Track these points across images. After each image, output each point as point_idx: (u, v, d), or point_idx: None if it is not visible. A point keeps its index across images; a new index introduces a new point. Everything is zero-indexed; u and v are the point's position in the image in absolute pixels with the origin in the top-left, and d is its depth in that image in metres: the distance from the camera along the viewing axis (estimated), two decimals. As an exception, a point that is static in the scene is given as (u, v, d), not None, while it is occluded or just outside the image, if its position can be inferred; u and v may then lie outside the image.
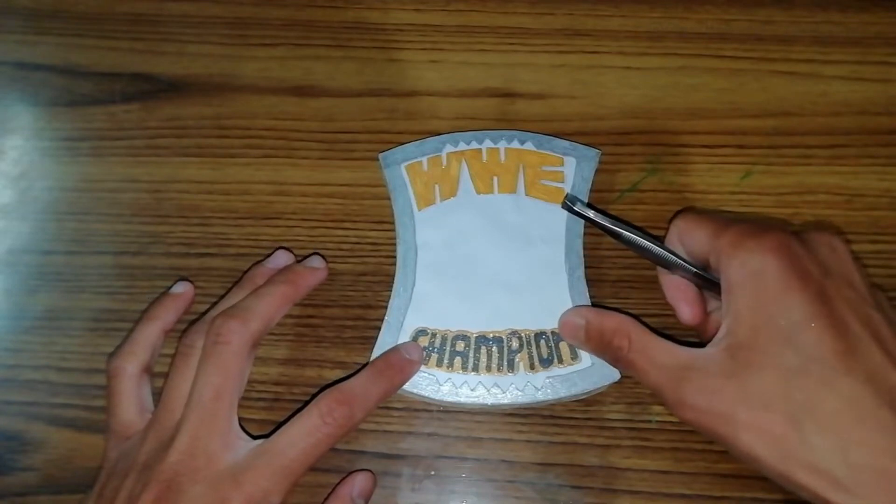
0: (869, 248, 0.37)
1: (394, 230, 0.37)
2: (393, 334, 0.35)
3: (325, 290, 0.37)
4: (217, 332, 0.31)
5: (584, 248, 0.36)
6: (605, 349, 0.32)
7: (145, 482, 0.29)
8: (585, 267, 0.36)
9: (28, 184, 0.40)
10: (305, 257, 0.37)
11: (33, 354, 0.37)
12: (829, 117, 0.40)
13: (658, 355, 0.30)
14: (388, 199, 0.38)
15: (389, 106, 0.41)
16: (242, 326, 0.32)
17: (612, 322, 0.32)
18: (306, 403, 0.31)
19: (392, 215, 0.37)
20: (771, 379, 0.27)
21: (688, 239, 0.32)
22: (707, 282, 0.32)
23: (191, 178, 0.39)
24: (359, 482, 0.33)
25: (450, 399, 0.34)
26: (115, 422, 0.32)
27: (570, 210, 0.33)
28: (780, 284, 0.28)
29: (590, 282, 0.36)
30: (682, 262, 0.32)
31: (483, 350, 0.34)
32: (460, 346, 0.35)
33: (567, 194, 0.33)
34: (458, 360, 0.34)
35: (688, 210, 0.36)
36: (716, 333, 0.29)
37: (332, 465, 0.34)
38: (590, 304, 0.35)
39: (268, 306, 0.33)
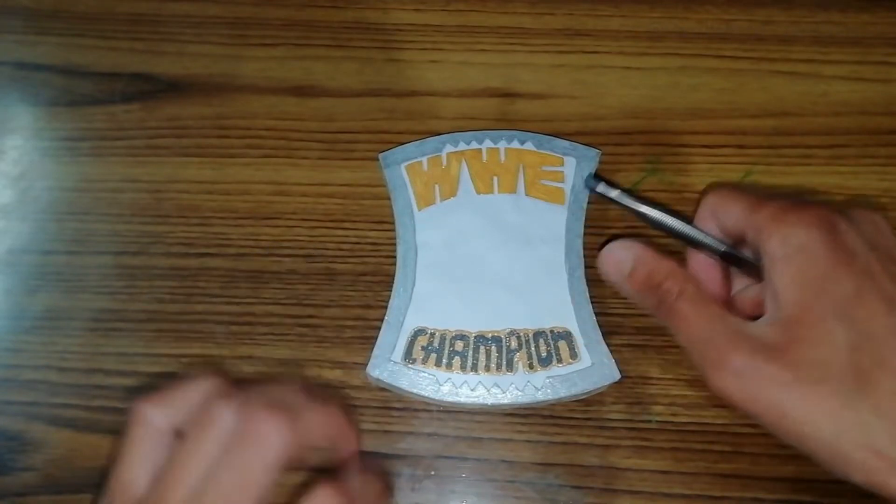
0: (869, 248, 0.37)
1: (394, 230, 0.37)
2: (393, 334, 0.35)
3: (325, 290, 0.37)
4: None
5: (584, 248, 0.36)
6: (649, 290, 0.30)
7: None
8: (585, 267, 0.36)
9: (28, 184, 0.40)
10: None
11: (33, 354, 0.37)
12: (829, 117, 0.40)
13: (707, 310, 0.29)
14: (388, 199, 0.38)
15: (389, 106, 0.41)
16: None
17: (667, 265, 0.31)
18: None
19: (392, 215, 0.37)
20: (824, 354, 0.26)
21: (722, 214, 0.31)
22: (736, 260, 0.31)
23: (191, 178, 0.39)
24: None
25: (450, 399, 0.34)
26: (115, 479, 0.26)
27: (593, 191, 0.33)
28: (826, 260, 0.27)
29: (590, 282, 0.36)
30: (709, 241, 0.31)
31: (482, 350, 0.35)
32: (459, 345, 0.35)
33: (589, 174, 0.33)
34: (456, 359, 0.34)
35: (719, 185, 0.36)
36: (741, 314, 0.29)
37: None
38: (590, 303, 0.35)
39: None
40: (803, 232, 0.28)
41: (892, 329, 0.26)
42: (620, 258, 0.32)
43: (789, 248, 0.28)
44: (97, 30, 0.43)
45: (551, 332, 0.35)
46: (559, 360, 0.34)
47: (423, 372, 0.34)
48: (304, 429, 0.26)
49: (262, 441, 0.24)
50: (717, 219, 0.32)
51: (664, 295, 0.30)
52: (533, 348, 0.34)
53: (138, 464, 0.26)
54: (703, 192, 0.33)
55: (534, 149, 0.38)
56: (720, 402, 0.34)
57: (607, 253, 0.33)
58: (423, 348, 0.35)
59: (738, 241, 0.31)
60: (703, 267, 0.33)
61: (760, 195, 0.30)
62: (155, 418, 0.26)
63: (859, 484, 0.25)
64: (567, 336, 0.35)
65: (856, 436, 0.25)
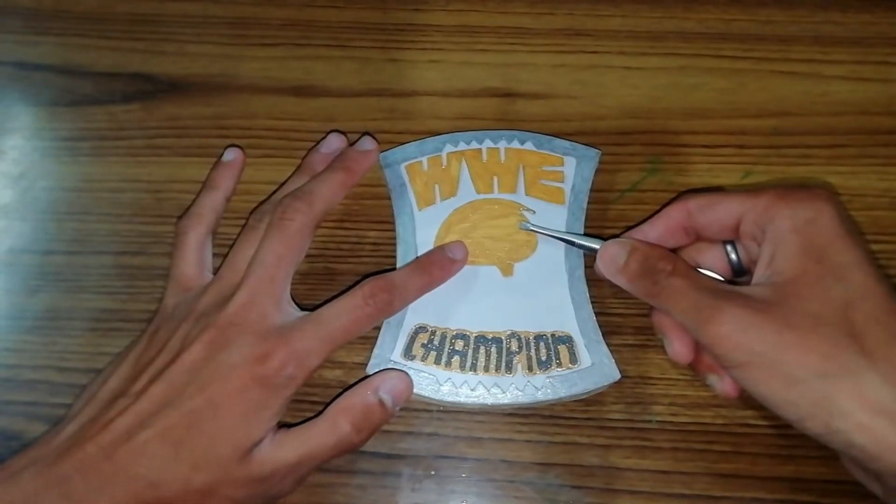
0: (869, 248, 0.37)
1: (394, 230, 0.37)
2: (393, 334, 0.35)
3: (325, 290, 0.37)
4: (283, 210, 0.34)
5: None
6: (644, 273, 0.31)
7: (202, 327, 0.31)
8: (585, 267, 0.36)
9: (28, 184, 0.40)
10: (357, 139, 0.39)
11: (33, 354, 0.37)
12: (829, 117, 0.40)
13: (700, 279, 0.31)
14: (388, 199, 0.38)
15: (389, 106, 0.41)
16: (307, 207, 0.35)
17: (659, 249, 0.32)
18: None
19: (392, 215, 0.37)
20: (818, 307, 0.28)
21: (710, 212, 0.32)
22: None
23: (191, 178, 0.39)
24: (390, 378, 0.33)
25: (450, 399, 0.34)
26: (178, 273, 0.35)
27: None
28: (832, 230, 0.29)
29: (590, 282, 0.36)
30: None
31: (482, 350, 0.34)
32: (459, 345, 0.35)
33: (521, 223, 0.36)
34: (456, 358, 0.34)
35: (692, 191, 0.36)
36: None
37: (332, 465, 0.34)
38: (590, 303, 0.35)
39: (329, 191, 0.36)
40: (812, 206, 0.30)
41: (887, 292, 0.28)
42: (615, 252, 0.33)
43: (798, 220, 0.30)
44: (97, 30, 0.43)
45: (552, 335, 0.35)
46: (559, 365, 0.34)
47: (423, 372, 0.34)
48: (320, 201, 0.35)
49: (290, 217, 0.34)
50: (699, 220, 0.33)
51: (658, 274, 0.31)
52: (533, 351, 0.34)
53: (189, 260, 0.36)
54: (670, 201, 0.34)
55: (534, 149, 0.38)
56: (720, 402, 0.34)
57: (603, 251, 0.33)
58: (423, 345, 0.35)
59: (724, 237, 0.33)
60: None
61: (750, 188, 0.31)
62: (195, 227, 0.36)
63: (835, 433, 0.26)
64: (568, 340, 0.35)
65: (844, 382, 0.26)
